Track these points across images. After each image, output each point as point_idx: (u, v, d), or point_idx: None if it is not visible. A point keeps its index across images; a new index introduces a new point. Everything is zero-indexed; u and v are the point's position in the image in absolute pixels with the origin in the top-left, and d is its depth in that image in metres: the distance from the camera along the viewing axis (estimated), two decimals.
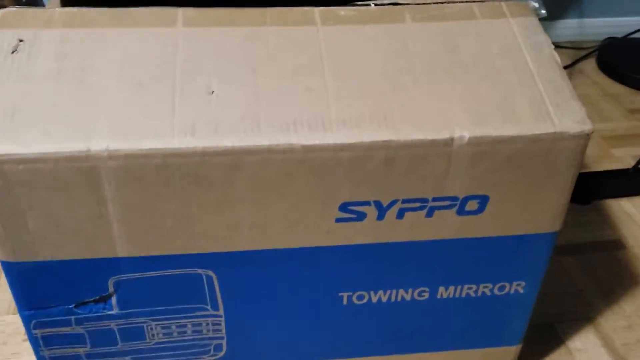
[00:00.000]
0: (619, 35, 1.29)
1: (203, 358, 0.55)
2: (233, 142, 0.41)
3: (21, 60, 0.44)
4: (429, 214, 0.46)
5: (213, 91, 0.44)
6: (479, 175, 0.45)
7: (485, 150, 0.44)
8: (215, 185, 0.43)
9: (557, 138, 0.44)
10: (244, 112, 0.43)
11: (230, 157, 0.42)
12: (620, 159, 0.95)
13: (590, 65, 1.23)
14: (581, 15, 1.32)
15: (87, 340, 0.51)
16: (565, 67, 1.21)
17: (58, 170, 0.41)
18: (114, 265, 0.46)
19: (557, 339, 0.67)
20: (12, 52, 0.45)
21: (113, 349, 0.52)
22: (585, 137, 0.45)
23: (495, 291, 0.53)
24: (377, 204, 0.45)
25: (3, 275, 0.71)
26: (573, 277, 0.73)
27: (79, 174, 0.41)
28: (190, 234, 0.45)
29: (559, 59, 0.49)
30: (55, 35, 0.46)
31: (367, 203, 0.45)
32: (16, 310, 0.67)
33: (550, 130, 0.44)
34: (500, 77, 0.47)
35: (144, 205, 0.43)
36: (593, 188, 0.87)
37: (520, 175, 0.45)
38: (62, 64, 0.44)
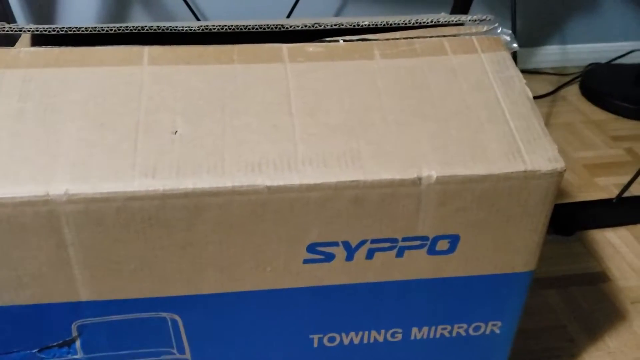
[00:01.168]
0: (603, 61, 1.30)
1: None
2: (195, 183, 0.41)
3: None
4: (399, 254, 0.45)
5: (177, 131, 0.43)
6: (449, 215, 0.44)
7: (454, 190, 0.43)
8: (178, 227, 0.42)
9: (528, 176, 0.43)
10: (208, 152, 0.42)
11: (192, 199, 0.41)
12: (604, 187, 0.94)
13: (574, 91, 1.24)
14: (564, 41, 1.33)
15: None
16: (547, 94, 1.21)
17: (17, 215, 0.40)
18: (76, 309, 0.45)
19: None
20: None
21: None
22: (558, 175, 0.44)
23: (471, 331, 0.52)
24: (346, 245, 0.45)
25: None
26: (556, 312, 0.72)
27: (38, 218, 0.40)
28: (154, 277, 0.44)
29: (530, 94, 0.48)
30: (19, 74, 0.45)
31: (335, 244, 0.44)
32: None
33: (521, 168, 0.43)
34: (470, 114, 0.46)
35: (105, 249, 0.42)
36: (576, 218, 0.86)
37: (491, 214, 0.45)
38: (24, 105, 0.44)
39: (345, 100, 0.46)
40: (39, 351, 0.47)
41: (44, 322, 0.46)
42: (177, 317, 0.47)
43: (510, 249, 0.47)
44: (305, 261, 0.45)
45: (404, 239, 0.45)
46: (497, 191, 0.44)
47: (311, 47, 0.50)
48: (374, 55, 0.50)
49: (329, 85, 0.47)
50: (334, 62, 0.49)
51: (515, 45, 0.53)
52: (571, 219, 0.85)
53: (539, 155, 0.44)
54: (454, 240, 0.45)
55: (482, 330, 0.51)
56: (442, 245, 0.45)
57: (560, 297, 0.74)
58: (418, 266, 0.46)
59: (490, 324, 0.51)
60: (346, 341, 0.50)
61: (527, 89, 0.48)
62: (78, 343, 0.47)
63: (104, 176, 0.40)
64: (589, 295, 0.75)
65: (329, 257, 0.45)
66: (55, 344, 0.47)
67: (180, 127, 0.43)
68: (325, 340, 0.50)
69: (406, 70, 0.49)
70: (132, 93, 0.45)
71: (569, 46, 1.33)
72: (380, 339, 0.51)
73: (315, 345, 0.50)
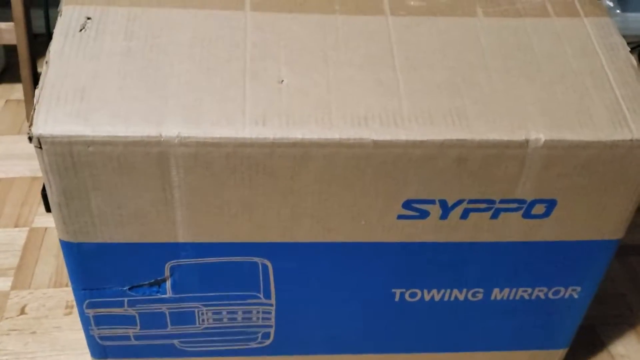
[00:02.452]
0: None
1: (250, 345, 0.54)
2: (304, 134, 0.41)
3: (89, 39, 0.43)
4: (495, 216, 0.46)
5: (283, 80, 0.43)
6: (549, 179, 0.44)
7: (560, 155, 0.42)
8: (282, 175, 0.42)
9: (633, 145, 0.43)
10: (315, 103, 0.42)
11: (300, 148, 0.41)
12: None
13: None
14: (625, 9, 1.29)
15: (138, 322, 0.51)
16: None
17: (127, 155, 0.40)
18: (172, 250, 0.46)
19: (599, 344, 0.66)
20: (80, 30, 0.44)
21: (162, 331, 0.52)
22: None
23: (550, 295, 0.52)
24: (442, 203, 0.45)
25: (45, 249, 0.72)
26: (616, 280, 0.72)
27: (147, 159, 0.40)
28: (253, 222, 0.45)
29: (635, 63, 0.47)
30: (123, 13, 0.45)
31: (432, 201, 0.44)
32: (57, 284, 0.67)
33: (628, 137, 0.43)
34: (576, 80, 0.45)
35: (210, 192, 0.42)
36: None
37: (591, 181, 0.44)
38: (130, 44, 0.43)
39: (449, 56, 0.46)
40: (130, 289, 0.49)
41: (139, 261, 0.47)
42: (268, 263, 0.48)
43: (604, 216, 0.47)
44: (400, 217, 0.45)
45: (502, 201, 0.45)
46: (600, 158, 0.43)
47: (413, 1, 0.49)
48: (476, 13, 0.48)
49: (432, 41, 0.46)
50: (436, 18, 0.48)
51: (618, 11, 0.51)
52: None
53: None
54: (550, 205, 0.45)
55: (562, 294, 0.52)
56: (539, 209, 0.45)
57: (621, 266, 0.74)
58: (511, 229, 0.46)
59: (570, 288, 0.52)
60: (427, 297, 0.51)
61: (632, 57, 0.47)
62: (169, 283, 0.48)
63: (215, 121, 0.40)
64: None
65: (424, 215, 0.45)
66: (146, 282, 0.48)
67: (286, 76, 0.43)
68: (406, 295, 0.51)
69: (510, 30, 0.48)
70: (236, 39, 0.45)
71: (630, 14, 1.29)
72: (461, 297, 0.51)
73: (397, 299, 0.51)
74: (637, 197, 0.46)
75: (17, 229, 0.75)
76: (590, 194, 0.45)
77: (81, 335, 0.53)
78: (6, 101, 0.96)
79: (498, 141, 0.42)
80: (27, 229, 0.75)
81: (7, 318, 0.65)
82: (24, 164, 0.84)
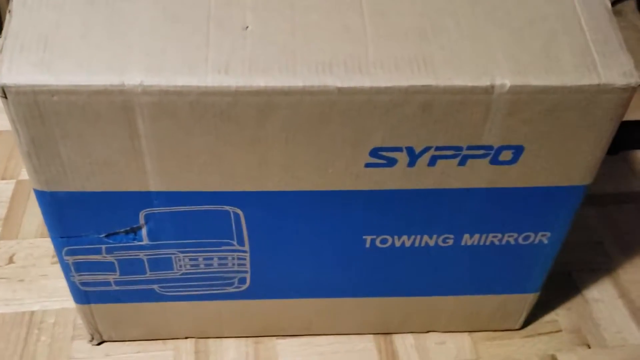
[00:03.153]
0: None
1: (227, 289, 0.56)
2: (267, 82, 0.41)
3: None
4: (462, 163, 0.46)
5: (248, 26, 0.43)
6: (516, 125, 0.44)
7: (525, 100, 0.42)
8: (248, 124, 0.42)
9: (600, 90, 0.43)
10: (279, 50, 0.42)
11: (263, 97, 0.41)
12: None
13: (631, 7, 1.18)
14: None
15: (117, 268, 0.52)
16: None
17: (92, 103, 0.40)
18: (145, 198, 0.47)
19: (574, 289, 0.67)
20: None
21: (141, 277, 0.53)
22: (631, 90, 0.43)
23: (520, 240, 0.53)
24: (409, 150, 0.45)
25: (32, 201, 0.73)
26: (593, 228, 0.73)
27: (112, 108, 0.41)
28: (221, 171, 0.45)
29: (609, 6, 0.46)
30: None
31: (399, 149, 0.45)
32: (44, 234, 0.69)
33: (595, 82, 0.42)
34: (545, 24, 0.45)
35: (176, 141, 0.43)
36: (622, 138, 0.85)
37: (558, 126, 0.44)
38: None
39: (418, 2, 0.45)
40: (106, 236, 0.50)
41: (113, 209, 0.48)
42: (239, 211, 0.48)
43: (571, 162, 0.47)
44: (367, 165, 0.46)
45: (469, 148, 0.45)
46: (566, 103, 0.43)
47: None
48: None
49: None
50: None
51: None
52: (617, 139, 0.84)
53: (614, 69, 0.43)
54: (517, 151, 0.45)
55: (531, 240, 0.53)
56: (506, 155, 0.46)
57: (598, 214, 0.75)
58: (478, 175, 0.47)
59: (540, 234, 0.52)
60: (398, 243, 0.52)
61: (607, 0, 0.47)
62: (144, 230, 0.49)
63: (178, 69, 0.40)
64: (628, 214, 0.76)
65: (391, 162, 0.46)
66: (122, 230, 0.49)
67: (251, 22, 0.43)
68: (377, 242, 0.52)
69: None
70: None
71: None
72: (432, 243, 0.52)
73: (368, 245, 0.52)
74: (604, 143, 0.46)
75: (4, 181, 0.76)
76: (557, 140, 0.45)
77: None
78: None
79: (463, 87, 0.42)
80: (14, 181, 0.76)
81: None
82: None
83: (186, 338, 0.61)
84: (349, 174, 0.46)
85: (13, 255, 0.68)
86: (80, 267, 0.52)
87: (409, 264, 0.54)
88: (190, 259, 0.52)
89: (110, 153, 0.44)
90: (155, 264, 0.53)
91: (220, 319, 0.59)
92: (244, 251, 0.52)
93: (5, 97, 0.40)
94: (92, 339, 0.60)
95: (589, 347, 0.63)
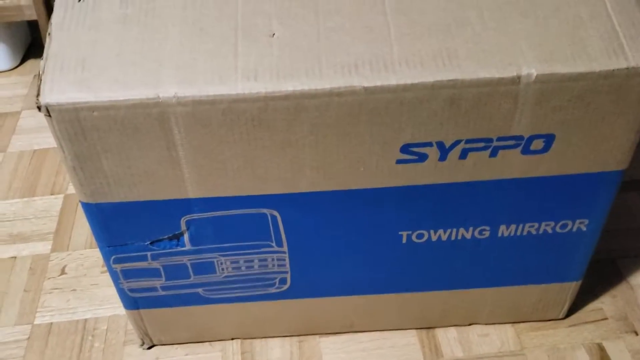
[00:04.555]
0: None
1: (269, 290, 0.57)
2: (295, 86, 0.42)
3: (87, 9, 0.45)
4: (493, 154, 0.46)
5: (274, 34, 0.44)
6: (545, 114, 0.44)
7: (553, 88, 0.42)
8: (278, 128, 0.44)
9: (630, 74, 0.42)
10: (305, 55, 0.43)
11: (292, 101, 0.42)
12: None
13: None
14: None
15: (162, 274, 0.54)
16: None
17: (129, 117, 0.42)
18: (185, 205, 0.48)
19: (618, 276, 0.66)
20: (79, 1, 0.46)
21: (186, 281, 0.55)
22: None
23: (558, 229, 0.52)
24: (440, 145, 0.45)
25: (80, 213, 0.76)
26: (635, 214, 0.72)
27: (149, 120, 0.43)
28: (255, 176, 0.47)
29: None
30: None
31: (429, 144, 0.45)
32: (93, 245, 0.72)
33: (623, 65, 0.42)
34: (570, 11, 0.44)
35: (211, 149, 0.44)
36: None
37: (588, 112, 0.44)
38: (126, 11, 0.45)
39: None
40: (150, 243, 0.52)
41: (155, 217, 0.50)
42: (276, 213, 0.50)
43: (604, 147, 0.46)
44: (399, 161, 0.46)
45: (499, 139, 0.45)
46: (596, 89, 0.43)
47: None
48: None
49: None
50: None
51: None
52: None
53: None
54: (548, 139, 0.45)
55: (569, 227, 0.52)
56: (537, 144, 0.46)
57: None
58: (511, 166, 0.47)
59: (577, 221, 0.52)
60: (434, 238, 0.53)
61: None
62: (186, 236, 0.51)
63: (209, 79, 0.42)
64: None
65: (422, 158, 0.46)
66: (165, 236, 0.51)
67: (277, 30, 0.44)
68: (413, 237, 0.52)
69: None
70: None
71: None
72: (468, 236, 0.52)
73: (404, 241, 0.53)
74: (637, 127, 0.46)
75: (52, 196, 0.79)
76: (588, 126, 0.45)
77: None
78: (34, 76, 1.00)
79: (489, 79, 0.42)
80: (62, 195, 0.79)
81: (49, 278, 0.70)
82: None
83: (232, 339, 0.63)
84: (381, 172, 0.47)
85: (65, 266, 0.71)
86: (128, 274, 0.54)
87: (447, 257, 0.54)
88: (232, 262, 0.54)
89: (149, 163, 0.45)
90: (198, 268, 0.54)
91: (263, 319, 0.61)
92: (283, 252, 0.53)
93: (49, 116, 0.42)
94: (143, 343, 0.62)
95: (637, 334, 0.62)
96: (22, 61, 1.03)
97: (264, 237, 0.52)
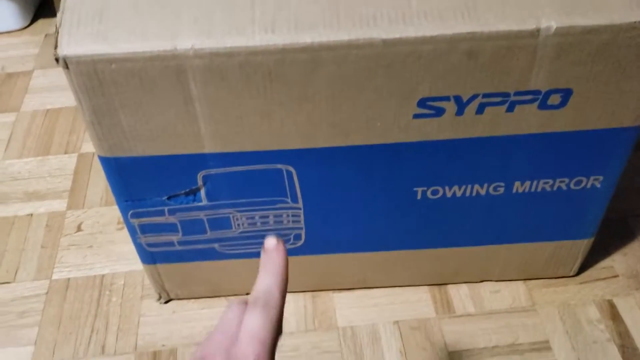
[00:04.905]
0: None
1: None
2: (313, 38, 0.42)
3: None
4: (510, 109, 0.46)
5: None
6: (564, 68, 0.43)
7: (572, 42, 0.42)
8: (295, 82, 0.44)
9: None
10: (323, 6, 0.43)
11: (309, 53, 0.42)
12: None
13: None
14: None
15: (179, 229, 0.55)
16: None
17: (147, 69, 0.42)
18: (201, 160, 0.49)
19: (630, 234, 0.67)
20: None
21: (202, 237, 0.56)
22: None
23: (572, 185, 0.53)
24: (457, 99, 0.45)
25: (95, 172, 0.76)
26: None
27: (166, 73, 0.43)
28: (271, 131, 0.47)
29: None
30: None
31: (446, 98, 0.45)
32: (109, 202, 0.72)
33: None
34: None
35: (227, 103, 0.45)
36: None
37: (607, 66, 0.44)
38: None
39: None
40: (168, 198, 0.52)
41: (172, 172, 0.50)
42: (292, 169, 0.50)
43: (622, 103, 0.46)
44: (415, 116, 0.46)
45: (516, 94, 0.45)
46: (616, 43, 0.42)
47: None
48: None
49: None
50: None
51: None
52: None
53: None
54: (566, 94, 0.45)
55: (583, 184, 0.52)
56: (554, 99, 0.45)
57: None
58: (527, 121, 0.47)
59: (592, 178, 0.52)
60: (449, 194, 0.53)
61: None
62: (203, 191, 0.52)
63: (226, 31, 0.42)
64: None
65: (439, 112, 0.46)
66: (182, 191, 0.52)
67: None
68: (428, 193, 0.53)
69: None
70: None
71: None
72: (483, 192, 0.53)
73: (419, 197, 0.53)
74: None
75: (67, 155, 0.80)
76: (607, 80, 0.45)
77: (133, 247, 0.58)
78: (45, 35, 1.00)
79: (508, 32, 0.42)
80: (76, 154, 0.80)
81: (65, 235, 0.71)
82: (68, 95, 0.88)
83: (247, 294, 0.64)
84: (398, 127, 0.47)
85: (81, 223, 0.72)
86: (145, 229, 0.55)
87: (461, 214, 0.55)
88: (247, 218, 0.55)
89: (167, 118, 0.46)
90: (214, 224, 0.55)
91: None
92: (298, 208, 0.54)
93: (67, 68, 0.42)
94: (160, 297, 0.63)
95: None
96: (33, 21, 1.02)
97: (280, 193, 0.52)
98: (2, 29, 1.00)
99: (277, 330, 0.30)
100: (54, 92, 0.89)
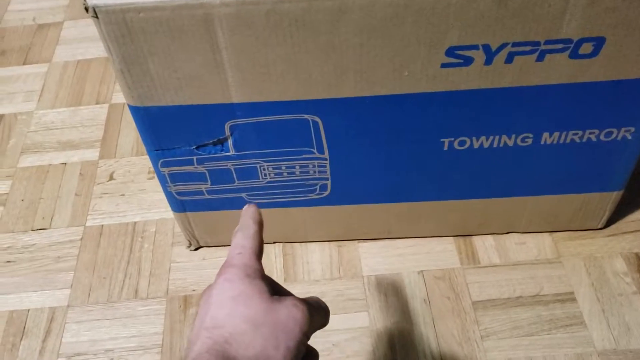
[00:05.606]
0: None
1: (309, 196, 0.59)
2: None
3: None
4: (540, 58, 0.45)
5: None
6: (597, 15, 0.42)
7: None
8: (322, 30, 0.43)
9: None
10: None
11: (336, 1, 0.42)
12: None
13: None
14: None
15: (208, 178, 0.56)
16: None
17: (175, 18, 0.43)
18: (229, 110, 0.49)
19: None
20: None
21: (230, 186, 0.57)
22: None
23: (602, 137, 0.52)
24: (486, 48, 0.45)
25: (126, 122, 0.78)
26: None
27: (194, 21, 0.43)
28: (298, 80, 0.47)
29: None
30: None
31: (475, 47, 0.45)
32: (139, 152, 0.74)
33: None
34: None
35: (255, 52, 0.45)
36: None
37: None
38: None
39: None
40: (196, 148, 0.53)
41: (201, 121, 0.51)
42: (318, 119, 0.50)
43: None
44: (443, 65, 0.46)
45: (547, 42, 0.44)
46: None
47: None
48: None
49: None
50: None
51: None
52: None
53: None
54: (598, 43, 0.44)
55: (614, 136, 0.52)
56: (586, 48, 0.44)
57: None
58: (558, 71, 0.46)
59: (623, 130, 0.51)
60: (476, 145, 0.53)
61: None
62: (230, 141, 0.52)
63: None
64: None
65: (468, 61, 0.46)
66: (210, 141, 0.53)
67: None
68: (455, 144, 0.53)
69: None
70: None
71: None
72: (510, 143, 0.52)
73: (446, 148, 0.53)
74: None
75: (98, 105, 0.81)
76: None
77: (163, 196, 0.59)
78: None
79: None
80: (107, 105, 0.81)
81: (98, 183, 0.73)
82: (98, 46, 0.89)
83: (274, 243, 0.66)
84: (425, 76, 0.47)
85: (113, 172, 0.74)
86: (175, 177, 0.56)
87: (488, 165, 0.55)
88: (274, 168, 0.55)
89: (194, 67, 0.46)
90: (242, 174, 0.56)
91: (304, 224, 0.63)
92: (324, 159, 0.54)
93: (97, 17, 0.42)
94: (190, 244, 0.65)
95: None
96: None
97: (306, 143, 0.53)
98: None
99: (260, 246, 0.35)
100: (84, 42, 0.90)
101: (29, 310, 0.62)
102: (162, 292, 0.62)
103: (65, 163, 0.75)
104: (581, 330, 0.57)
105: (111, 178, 0.73)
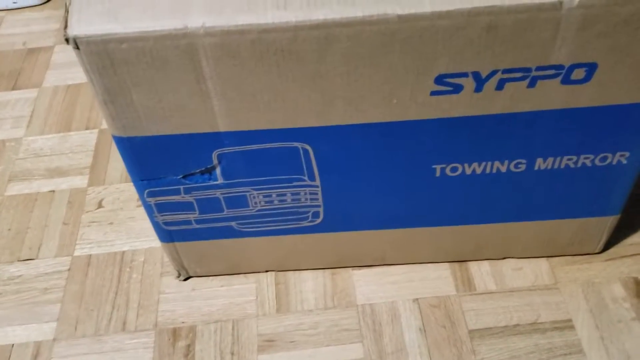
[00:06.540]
0: None
1: (302, 224, 0.58)
2: (326, 14, 0.40)
3: None
4: (531, 84, 0.44)
5: None
6: (588, 41, 0.42)
7: (597, 13, 0.40)
8: (309, 59, 0.42)
9: None
10: None
11: (323, 30, 0.41)
12: None
13: None
14: None
15: (196, 207, 0.55)
16: None
17: (158, 48, 0.42)
18: (216, 139, 0.48)
19: None
20: None
21: (219, 215, 0.56)
22: None
23: (597, 162, 0.51)
24: (476, 75, 0.44)
25: (115, 148, 0.77)
26: None
27: (178, 52, 0.42)
28: (287, 108, 0.46)
29: None
30: None
31: (464, 74, 0.44)
32: (129, 179, 0.73)
33: None
34: None
35: (241, 81, 0.44)
36: None
37: (635, 39, 0.42)
38: None
39: None
40: (183, 177, 0.52)
41: (187, 151, 0.50)
42: (308, 147, 0.49)
43: None
44: (433, 93, 0.45)
45: (538, 69, 0.43)
46: None
47: None
48: None
49: None
50: None
51: None
52: None
53: None
54: (590, 68, 0.43)
55: (609, 160, 0.51)
56: (578, 74, 0.44)
57: None
58: (550, 97, 0.45)
59: (618, 154, 0.50)
60: (468, 171, 0.52)
61: None
62: (218, 170, 0.51)
63: (238, 9, 0.41)
64: None
65: (457, 89, 0.45)
66: (197, 170, 0.52)
67: None
68: (447, 170, 0.52)
69: None
70: None
71: None
72: (503, 169, 0.51)
73: (438, 174, 0.52)
74: None
75: (88, 131, 0.80)
76: (632, 54, 0.42)
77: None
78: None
79: (529, 4, 0.40)
80: (97, 130, 0.80)
81: (87, 212, 0.71)
82: None
83: (266, 271, 0.64)
84: (415, 104, 0.46)
85: (101, 200, 0.73)
86: (162, 207, 0.55)
87: (481, 191, 0.54)
88: (264, 196, 0.54)
89: (179, 97, 0.45)
90: (231, 202, 0.55)
91: (297, 252, 0.62)
92: (316, 186, 0.53)
93: (78, 48, 0.42)
94: (179, 275, 0.64)
95: None
96: None
97: (296, 171, 0.52)
98: (24, 4, 1.00)
99: None
100: (74, 67, 0.90)
101: (12, 345, 0.60)
102: (150, 325, 0.61)
103: (54, 191, 0.74)
104: (580, 359, 0.56)
105: (100, 206, 0.72)
